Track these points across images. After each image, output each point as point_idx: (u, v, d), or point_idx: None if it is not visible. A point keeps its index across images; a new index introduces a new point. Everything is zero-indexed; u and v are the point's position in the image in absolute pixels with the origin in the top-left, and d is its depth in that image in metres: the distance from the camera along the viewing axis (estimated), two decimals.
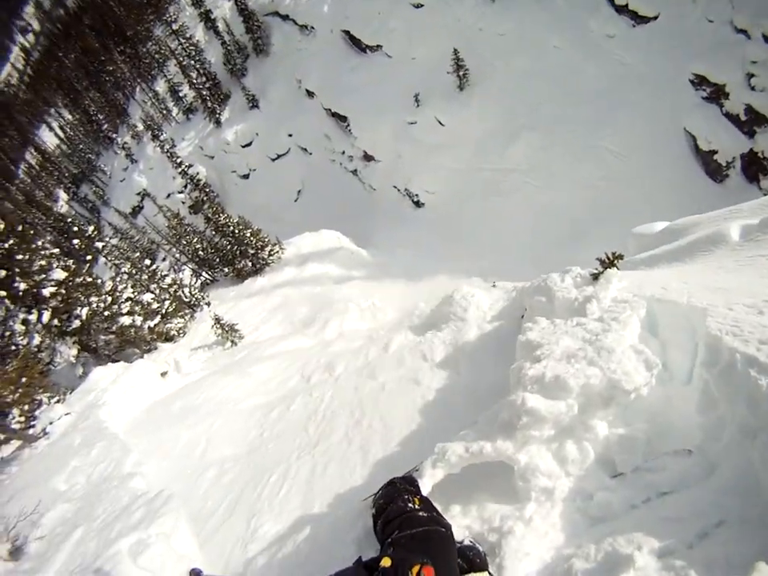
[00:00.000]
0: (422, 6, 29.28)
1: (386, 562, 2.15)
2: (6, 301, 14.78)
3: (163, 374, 13.22)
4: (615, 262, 4.79)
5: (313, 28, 36.77)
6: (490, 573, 2.76)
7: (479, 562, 2.86)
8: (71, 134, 61.23)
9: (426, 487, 3.26)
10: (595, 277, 4.76)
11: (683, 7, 20.36)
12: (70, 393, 13.34)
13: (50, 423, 10.34)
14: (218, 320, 15.87)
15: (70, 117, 62.68)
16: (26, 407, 10.32)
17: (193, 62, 41.52)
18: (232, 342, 16.06)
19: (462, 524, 3.24)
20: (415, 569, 2.07)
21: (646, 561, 2.48)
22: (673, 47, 20.14)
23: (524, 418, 3.14)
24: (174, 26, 43.27)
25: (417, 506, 2.86)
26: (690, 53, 19.28)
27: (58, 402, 12.30)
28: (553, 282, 5.15)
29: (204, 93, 41.43)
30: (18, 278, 14.66)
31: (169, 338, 18.51)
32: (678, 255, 5.86)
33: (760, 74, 17.69)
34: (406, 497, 2.98)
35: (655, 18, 21.42)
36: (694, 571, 2.32)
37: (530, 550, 2.93)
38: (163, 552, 4.66)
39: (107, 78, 54.80)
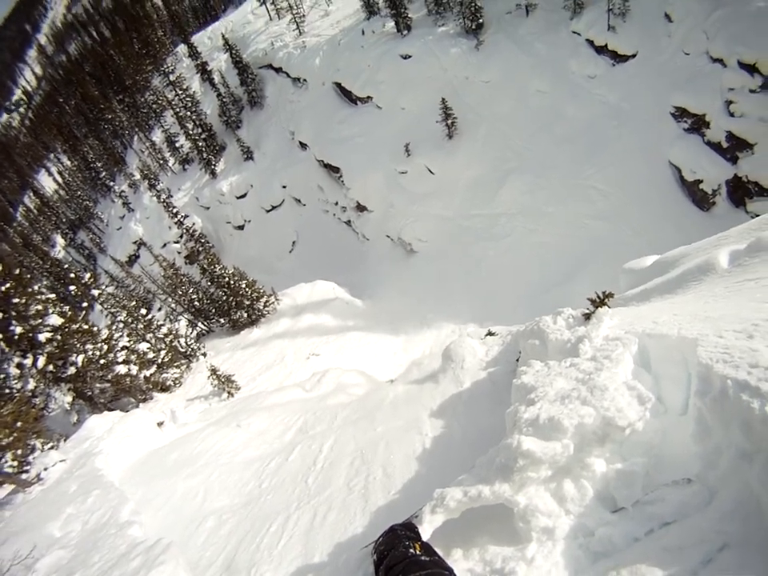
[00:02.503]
0: (409, 57, 30.25)
1: None
2: (1, 343, 14.75)
3: (159, 424, 13.14)
4: (606, 300, 4.87)
5: (305, 80, 37.89)
6: None
7: None
8: (69, 180, 61.89)
9: (426, 533, 3.25)
10: (587, 317, 4.82)
11: (659, 42, 21.22)
12: (65, 440, 13.23)
13: (45, 469, 10.27)
14: (214, 371, 15.86)
15: (68, 163, 63.55)
16: (20, 452, 10.22)
17: (189, 112, 42.49)
18: (228, 392, 16.04)
19: (464, 567, 3.22)
20: None
21: None
22: (652, 82, 20.91)
23: (520, 461, 3.15)
24: (172, 77, 44.60)
25: (418, 552, 2.86)
26: (669, 86, 20.02)
27: (52, 448, 12.18)
28: (545, 324, 5.21)
29: (200, 144, 42.22)
30: (14, 322, 14.66)
31: (165, 388, 18.45)
32: (670, 287, 5.90)
33: (738, 99, 18.22)
34: (407, 543, 2.97)
35: (633, 55, 22.27)
36: None
37: None
38: None
39: (106, 126, 55.94)
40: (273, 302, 24.43)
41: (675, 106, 19.82)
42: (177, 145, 46.72)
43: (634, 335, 4.04)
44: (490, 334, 11.13)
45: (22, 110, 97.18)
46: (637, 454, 3.24)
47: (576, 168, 21.61)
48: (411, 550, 2.87)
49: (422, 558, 2.76)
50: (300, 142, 36.75)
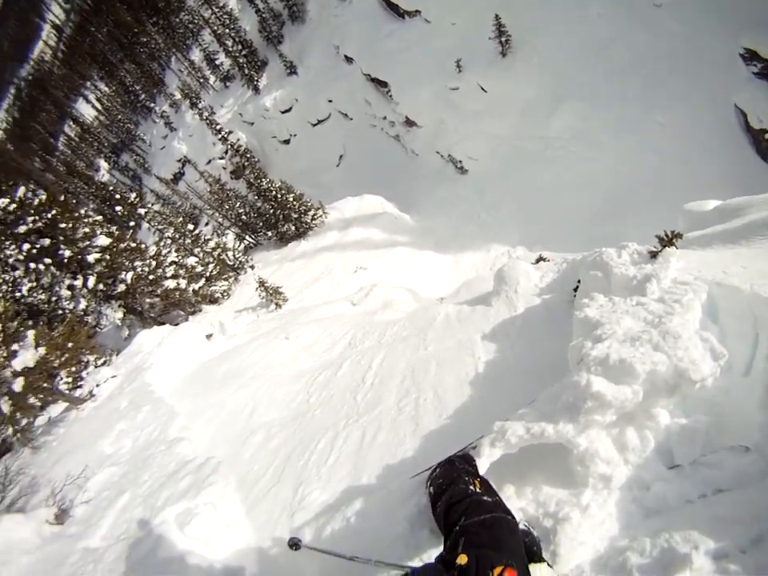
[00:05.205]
0: None
1: (462, 559, 2.04)
2: (52, 268, 15.22)
3: (208, 337, 13.40)
4: (674, 240, 4.57)
5: None
6: (548, 564, 2.65)
7: (536, 550, 2.82)
8: (109, 105, 61.90)
9: (482, 467, 3.18)
10: (653, 255, 4.54)
11: None
12: (116, 355, 13.72)
13: (97, 386, 10.58)
14: (262, 283, 16.12)
15: (106, 89, 63.23)
16: (73, 369, 10.53)
17: (227, 30, 41.25)
18: (276, 304, 16.33)
19: (517, 506, 3.17)
20: (497, 570, 1.96)
21: (701, 562, 2.42)
22: (723, 19, 18.82)
23: (589, 402, 3.02)
24: None
25: (479, 489, 2.79)
26: (740, 25, 17.97)
27: (104, 364, 12.65)
28: (609, 256, 4.90)
29: (241, 60, 41.24)
30: (62, 246, 15.06)
31: (213, 301, 18.96)
32: (733, 237, 5.41)
33: None
34: (467, 478, 2.90)
35: None
36: None
37: (585, 539, 2.86)
38: (211, 521, 4.72)
39: (141, 50, 54.59)
40: (320, 216, 24.53)
41: (745, 48, 17.80)
42: (217, 63, 45.81)
43: (703, 282, 3.78)
44: (541, 259, 10.86)
45: (52, 43, 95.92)
46: (700, 410, 3.10)
47: (635, 99, 20.08)
48: (471, 487, 2.81)
49: (484, 498, 2.69)
50: (345, 56, 35.20)
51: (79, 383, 10.73)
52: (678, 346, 3.11)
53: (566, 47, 22.89)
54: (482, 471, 3.14)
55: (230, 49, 41.42)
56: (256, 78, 41.42)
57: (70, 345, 10.28)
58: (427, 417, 5.35)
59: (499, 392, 5.11)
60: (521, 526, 2.87)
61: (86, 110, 69.90)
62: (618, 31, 21.75)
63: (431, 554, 3.20)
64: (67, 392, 10.26)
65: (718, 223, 6.26)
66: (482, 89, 25.47)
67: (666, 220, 7.37)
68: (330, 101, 36.47)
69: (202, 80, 48.02)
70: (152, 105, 56.34)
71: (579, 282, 5.64)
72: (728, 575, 2.33)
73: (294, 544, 3.34)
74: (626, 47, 21.30)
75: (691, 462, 2.96)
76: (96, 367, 12.07)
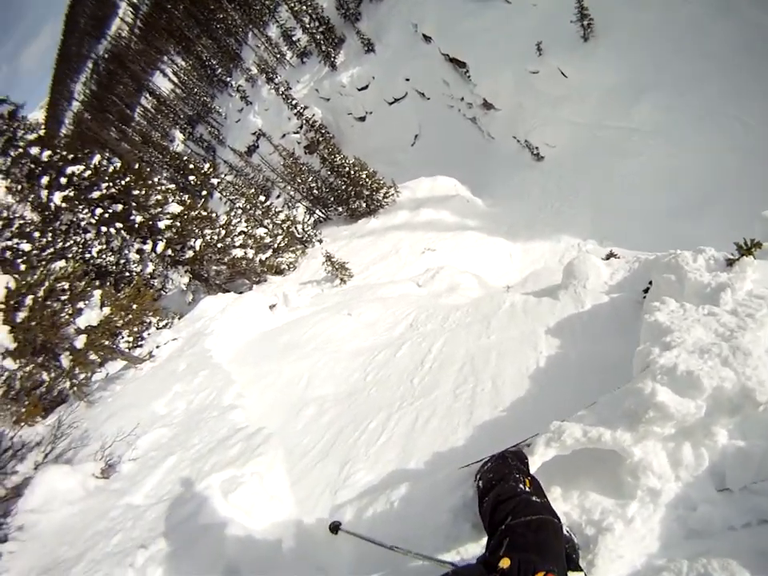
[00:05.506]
0: None
1: (504, 563, 2.01)
2: (123, 232, 15.90)
3: (272, 307, 13.57)
4: (753, 249, 4.27)
5: None
6: (585, 574, 2.59)
7: (574, 558, 2.75)
8: (185, 78, 63.89)
9: (534, 465, 3.11)
10: (730, 263, 4.26)
11: None
12: (179, 318, 14.15)
13: (157, 347, 10.83)
14: (329, 257, 16.34)
15: (183, 63, 65.29)
16: (135, 329, 10.92)
17: (304, 7, 41.36)
18: (341, 279, 16.51)
19: (561, 509, 3.08)
20: None
21: None
22: None
23: (651, 412, 2.88)
24: None
25: (528, 489, 2.74)
26: None
27: (166, 326, 13.07)
28: (684, 260, 4.60)
29: (318, 37, 41.40)
30: (134, 212, 15.68)
31: (279, 271, 19.42)
32: None
33: None
34: (518, 476, 2.85)
35: None
36: None
37: (624, 553, 2.78)
38: (255, 491, 4.72)
39: (218, 26, 55.99)
40: (392, 194, 24.58)
41: None
42: (293, 39, 46.28)
43: None
44: (612, 255, 10.45)
45: (129, 20, 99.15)
46: (758, 434, 2.88)
47: (721, 95, 18.68)
48: (521, 486, 2.76)
49: (533, 498, 2.64)
50: (424, 35, 34.75)
51: (140, 343, 11.12)
52: (747, 363, 2.93)
53: (650, 35, 21.75)
54: (532, 470, 3.08)
55: (307, 25, 41.70)
56: (333, 55, 41.59)
57: (134, 306, 10.66)
58: (483, 407, 5.25)
59: (558, 390, 4.96)
60: (563, 531, 2.79)
61: (163, 84, 72.39)
62: (704, 21, 20.51)
63: (469, 549, 3.18)
64: (127, 351, 10.65)
65: None
66: (563, 74, 24.65)
67: (743, 225, 6.96)
68: (408, 79, 36.22)
69: (278, 55, 48.62)
70: (228, 79, 57.64)
71: (650, 283, 5.38)
72: None
73: (335, 527, 3.38)
74: (713, 39, 19.96)
75: (741, 488, 2.80)
76: (158, 329, 12.52)
